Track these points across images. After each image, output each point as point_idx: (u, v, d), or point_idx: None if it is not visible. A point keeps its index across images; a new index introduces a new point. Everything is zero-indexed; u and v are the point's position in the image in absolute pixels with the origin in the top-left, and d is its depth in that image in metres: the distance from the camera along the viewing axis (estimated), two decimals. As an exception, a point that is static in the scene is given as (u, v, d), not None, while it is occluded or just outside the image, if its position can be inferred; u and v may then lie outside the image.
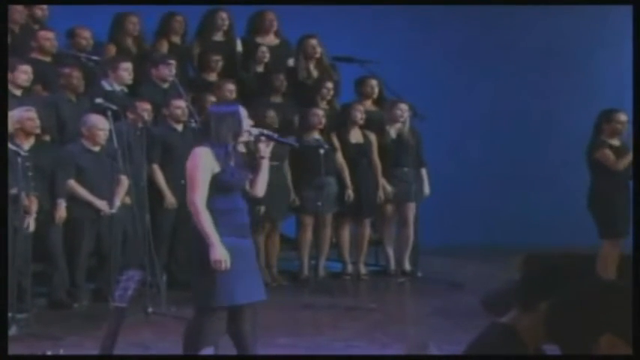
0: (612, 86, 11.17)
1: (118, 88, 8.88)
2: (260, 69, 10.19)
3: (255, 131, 5.60)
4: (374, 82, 10.04)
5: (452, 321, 7.40)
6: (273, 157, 8.82)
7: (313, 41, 10.20)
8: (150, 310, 7.53)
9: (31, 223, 7.62)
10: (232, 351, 5.55)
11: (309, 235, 9.50)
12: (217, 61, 9.86)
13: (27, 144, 7.85)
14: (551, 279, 2.97)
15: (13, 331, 7.00)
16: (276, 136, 5.83)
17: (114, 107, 7.91)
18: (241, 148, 6.23)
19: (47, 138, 8.38)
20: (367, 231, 9.76)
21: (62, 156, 8.22)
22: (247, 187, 5.58)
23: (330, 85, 9.92)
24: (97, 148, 8.26)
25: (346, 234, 9.67)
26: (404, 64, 10.87)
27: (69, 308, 8.10)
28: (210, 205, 5.34)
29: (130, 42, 9.85)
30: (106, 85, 8.86)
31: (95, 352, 4.44)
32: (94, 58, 9.01)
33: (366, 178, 9.61)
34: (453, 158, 11.50)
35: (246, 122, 5.52)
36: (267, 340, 6.37)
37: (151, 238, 7.98)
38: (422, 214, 9.93)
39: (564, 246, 8.96)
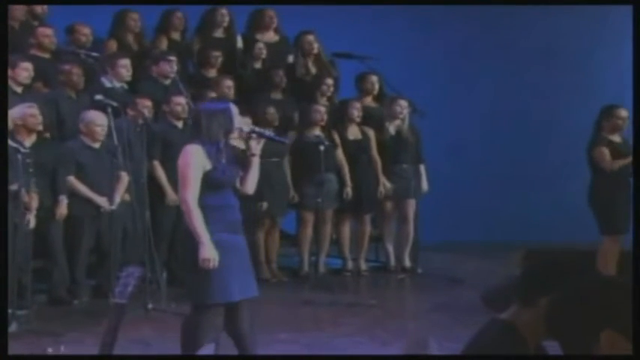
0: (612, 86, 11.15)
1: (117, 84, 8.88)
2: (258, 65, 10.18)
3: (247, 128, 5.59)
4: (374, 79, 10.02)
5: (452, 317, 7.40)
6: (274, 153, 8.90)
7: (310, 37, 10.19)
8: (150, 306, 7.53)
9: (31, 219, 7.61)
10: (233, 351, 5.55)
11: (309, 232, 9.49)
12: (217, 57, 9.84)
13: (28, 141, 7.85)
14: (551, 275, 2.97)
15: (13, 327, 6.99)
16: (267, 133, 5.82)
17: (114, 104, 7.92)
18: (240, 145, 6.22)
19: (47, 135, 8.37)
20: (367, 227, 9.76)
21: (63, 152, 8.20)
22: (237, 184, 5.54)
23: (330, 81, 9.91)
24: (96, 145, 8.25)
25: (346, 230, 9.67)
26: (404, 64, 10.85)
27: (69, 305, 8.08)
28: (202, 202, 5.31)
29: (130, 38, 9.85)
30: (106, 82, 8.86)
31: (95, 348, 4.44)
32: (94, 54, 9.03)
33: (366, 174, 9.60)
34: (454, 156, 11.49)
35: (238, 119, 5.49)
36: (268, 336, 6.38)
37: (151, 235, 7.99)
38: (422, 212, 9.93)
39: (564, 244, 8.98)
